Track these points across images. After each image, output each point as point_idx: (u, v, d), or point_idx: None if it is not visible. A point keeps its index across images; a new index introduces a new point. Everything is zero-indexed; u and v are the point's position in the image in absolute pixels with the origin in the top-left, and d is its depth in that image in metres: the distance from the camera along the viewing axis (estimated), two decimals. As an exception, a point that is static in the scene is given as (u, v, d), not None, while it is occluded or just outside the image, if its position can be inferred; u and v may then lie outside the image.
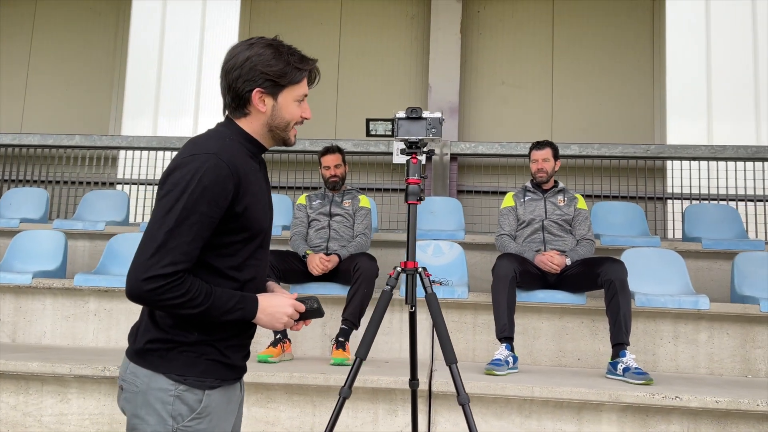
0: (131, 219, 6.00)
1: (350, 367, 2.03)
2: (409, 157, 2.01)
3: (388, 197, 6.24)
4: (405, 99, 6.65)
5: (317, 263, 3.74)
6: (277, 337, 3.61)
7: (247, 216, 1.57)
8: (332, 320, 3.91)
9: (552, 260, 3.77)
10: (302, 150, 6.25)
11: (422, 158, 2.03)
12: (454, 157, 6.22)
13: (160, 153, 6.65)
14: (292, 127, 1.68)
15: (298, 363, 3.62)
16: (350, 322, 3.62)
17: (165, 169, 1.57)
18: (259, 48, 1.62)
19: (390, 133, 2.01)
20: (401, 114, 1.99)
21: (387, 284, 2.01)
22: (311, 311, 1.67)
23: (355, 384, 3.18)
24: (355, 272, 3.64)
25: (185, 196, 1.46)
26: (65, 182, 6.68)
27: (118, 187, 6.72)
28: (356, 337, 3.91)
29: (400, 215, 6.13)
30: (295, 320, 1.67)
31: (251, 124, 1.65)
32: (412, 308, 2.16)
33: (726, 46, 6.59)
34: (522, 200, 4.14)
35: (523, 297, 3.84)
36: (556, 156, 4.15)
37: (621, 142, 6.19)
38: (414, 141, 1.97)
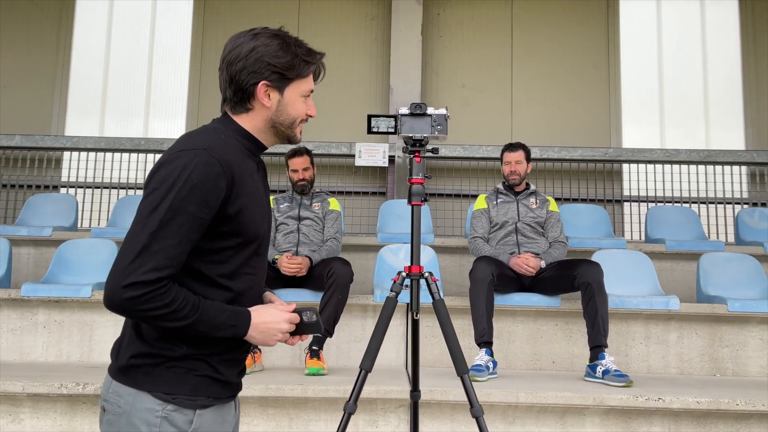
0: (79, 224, 5.65)
1: (355, 380, 1.90)
2: (412, 156, 1.90)
3: (350, 200, 6.12)
4: (366, 101, 6.55)
5: (287, 263, 3.58)
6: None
7: (240, 219, 1.42)
8: (303, 328, 3.75)
9: (527, 263, 3.74)
10: (267, 152, 6.03)
11: (425, 156, 1.92)
12: (416, 159, 6.15)
13: (109, 155, 6.32)
14: (298, 125, 1.55)
15: (270, 374, 3.45)
16: (324, 329, 3.48)
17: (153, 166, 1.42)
18: (266, 38, 1.48)
19: (393, 130, 1.89)
20: (404, 110, 1.88)
21: (391, 290, 1.89)
22: (308, 325, 1.52)
23: (333, 395, 3.07)
24: (329, 278, 3.50)
25: (171, 195, 1.31)
26: (4, 185, 6.25)
27: (63, 190, 6.34)
28: (330, 344, 3.78)
29: (362, 218, 6.01)
30: (291, 334, 1.55)
31: (252, 121, 1.51)
32: (417, 315, 2.05)
33: (677, 53, 6.79)
34: (495, 202, 4.10)
35: (498, 300, 3.79)
36: (529, 158, 4.13)
37: (579, 144, 6.27)
38: (418, 139, 1.86)
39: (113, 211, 5.30)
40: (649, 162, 6.21)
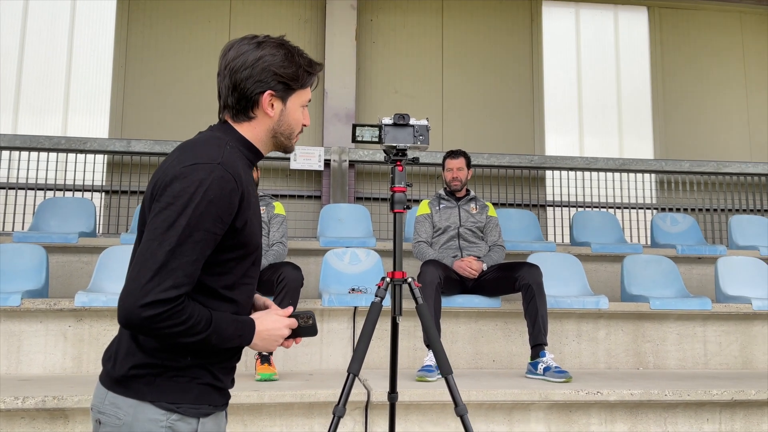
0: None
1: (343, 383, 1.92)
2: (394, 165, 1.95)
3: (286, 203, 6.06)
4: (300, 104, 6.52)
5: None
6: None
7: (245, 232, 1.43)
8: (250, 333, 3.71)
9: (471, 266, 3.88)
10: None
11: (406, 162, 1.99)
12: (351, 164, 6.21)
13: (24, 153, 5.95)
14: (296, 135, 1.58)
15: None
16: (275, 334, 3.46)
17: (155, 176, 1.40)
18: (272, 48, 1.49)
19: (377, 139, 1.94)
20: (387, 120, 1.92)
21: (376, 295, 1.93)
22: (305, 328, 1.54)
23: (289, 400, 3.07)
24: (279, 283, 3.48)
25: (189, 211, 1.30)
26: None
27: None
28: (280, 350, 3.76)
29: (298, 222, 5.99)
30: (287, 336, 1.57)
31: (254, 130, 1.52)
32: (398, 320, 2.10)
33: (594, 64, 7.22)
34: (437, 208, 4.22)
35: (443, 302, 3.90)
36: (469, 165, 4.28)
37: (506, 152, 6.54)
38: (402, 148, 1.92)
39: (36, 213, 5.01)
40: (571, 169, 6.57)
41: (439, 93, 6.87)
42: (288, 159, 6.03)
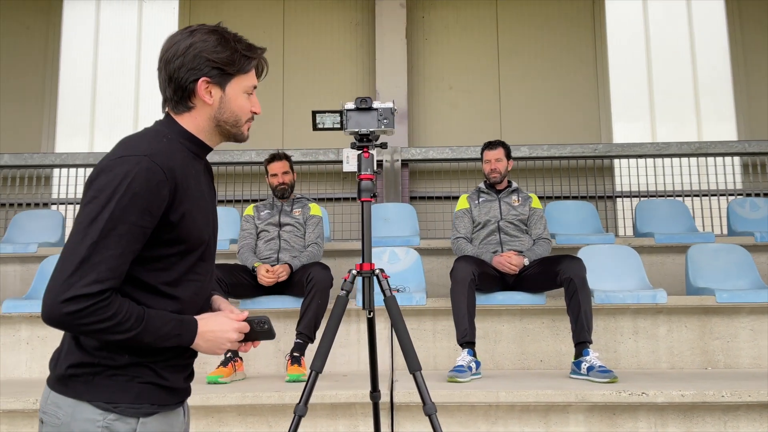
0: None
1: (305, 382, 1.85)
2: (360, 152, 1.86)
3: (339, 206, 6.09)
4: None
5: (263, 274, 3.55)
6: (228, 356, 3.39)
7: (184, 226, 1.39)
8: (286, 335, 3.72)
9: (510, 261, 3.69)
10: (249, 161, 6.05)
11: (374, 152, 1.89)
12: (405, 163, 6.13)
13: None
14: (244, 123, 1.52)
15: (251, 382, 3.41)
16: (305, 335, 3.44)
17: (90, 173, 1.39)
18: (203, 34, 1.45)
19: (339, 125, 1.86)
20: (350, 105, 1.84)
21: (342, 288, 1.85)
22: (260, 333, 1.50)
23: (312, 400, 3.02)
24: (308, 283, 3.47)
25: (112, 204, 1.27)
26: (-4, 204, 6.26)
27: (53, 207, 6.35)
28: (312, 350, 3.74)
29: (352, 224, 5.98)
30: (242, 341, 1.51)
31: (195, 120, 1.48)
32: (370, 314, 2.01)
33: (664, 47, 6.74)
34: (476, 202, 4.06)
35: (482, 300, 3.75)
36: (509, 156, 4.09)
37: (569, 142, 6.22)
38: (365, 134, 1.82)
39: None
40: (640, 156, 6.15)
41: (495, 86, 6.66)
42: (341, 162, 6.04)
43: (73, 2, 6.93)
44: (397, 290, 3.91)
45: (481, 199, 4.06)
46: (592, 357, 3.30)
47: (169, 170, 1.36)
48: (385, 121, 1.83)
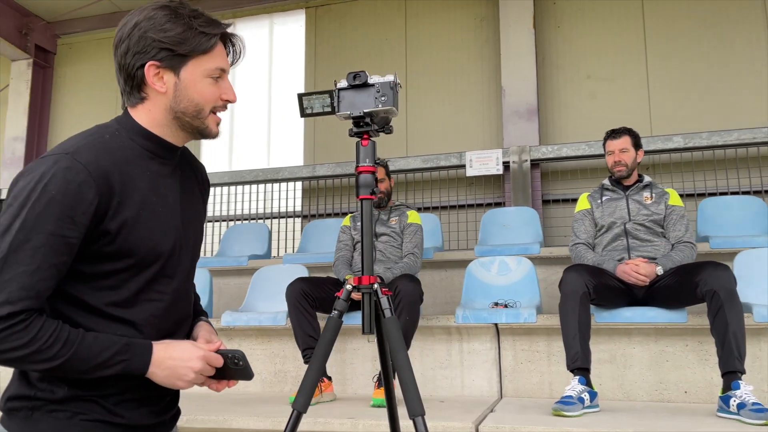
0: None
1: (287, 420, 1.53)
2: (358, 139, 1.51)
3: (464, 213, 5.70)
4: (477, 106, 6.12)
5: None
6: (314, 375, 3.17)
7: (126, 236, 1.18)
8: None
9: (637, 270, 3.06)
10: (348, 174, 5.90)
11: (376, 138, 1.53)
12: (535, 163, 5.57)
13: (232, 188, 6.57)
14: (208, 113, 1.28)
15: (338, 405, 3.16)
16: (394, 355, 3.12)
17: None
18: (150, 11, 1.24)
19: (330, 109, 1.53)
20: (342, 83, 1.51)
21: (334, 309, 1.50)
22: (235, 370, 1.26)
23: (384, 430, 2.69)
24: (395, 297, 3.15)
25: (24, 212, 1.10)
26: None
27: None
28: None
29: (469, 233, 5.55)
30: (213, 377, 1.27)
31: (149, 113, 1.27)
32: (370, 340, 1.64)
33: None
34: (599, 201, 3.46)
35: (605, 317, 3.16)
36: (637, 145, 3.45)
37: (735, 128, 5.23)
38: (359, 116, 1.47)
39: (222, 240, 5.44)
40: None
41: (642, 72, 5.83)
42: (464, 166, 5.65)
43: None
44: (505, 305, 3.46)
45: (604, 198, 3.46)
46: (744, 391, 2.58)
47: (99, 169, 1.15)
48: (383, 98, 1.46)
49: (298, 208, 6.43)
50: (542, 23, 6.10)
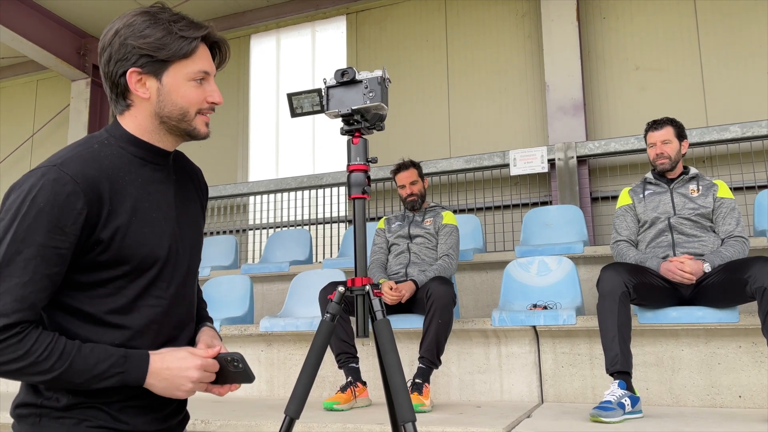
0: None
1: (281, 426, 1.49)
2: (349, 137, 1.47)
3: (508, 214, 5.57)
4: (520, 104, 5.98)
5: (387, 291, 3.25)
6: (348, 380, 3.15)
7: (120, 243, 1.19)
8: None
9: (682, 267, 2.89)
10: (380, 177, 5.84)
11: (368, 135, 1.47)
12: (582, 159, 5.39)
13: (278, 195, 6.65)
14: (194, 115, 1.29)
15: (373, 410, 3.12)
16: (427, 359, 3.06)
17: None
18: (130, 18, 1.25)
19: (319, 108, 1.49)
20: (331, 81, 1.47)
21: (327, 311, 1.45)
22: (235, 374, 1.26)
23: None
24: (427, 300, 3.09)
25: (15, 225, 1.12)
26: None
27: (250, 232, 6.81)
28: (450, 377, 3.33)
29: (515, 234, 5.41)
30: (215, 382, 1.28)
31: (135, 119, 1.29)
32: (364, 344, 1.59)
33: None
34: (641, 195, 3.30)
35: (648, 318, 3.01)
36: (681, 135, 3.26)
37: (799, 114, 4.91)
38: (348, 113, 1.43)
39: (266, 247, 5.50)
40: None
41: (696, 60, 5.56)
42: (507, 166, 5.52)
43: (258, 38, 7.46)
44: (544, 307, 3.34)
45: (647, 192, 3.29)
46: (801, 397, 2.38)
47: (87, 179, 1.17)
48: (371, 94, 1.41)
49: (343, 214, 6.44)
50: (586, 15, 5.91)
